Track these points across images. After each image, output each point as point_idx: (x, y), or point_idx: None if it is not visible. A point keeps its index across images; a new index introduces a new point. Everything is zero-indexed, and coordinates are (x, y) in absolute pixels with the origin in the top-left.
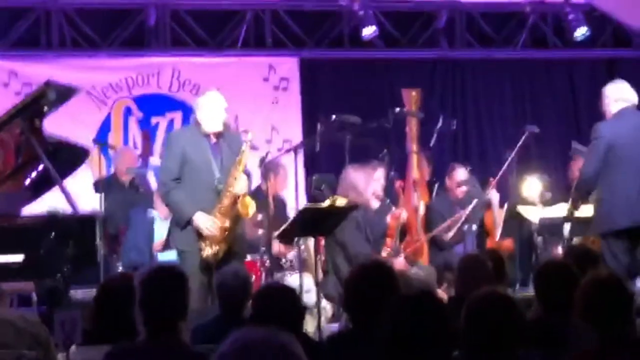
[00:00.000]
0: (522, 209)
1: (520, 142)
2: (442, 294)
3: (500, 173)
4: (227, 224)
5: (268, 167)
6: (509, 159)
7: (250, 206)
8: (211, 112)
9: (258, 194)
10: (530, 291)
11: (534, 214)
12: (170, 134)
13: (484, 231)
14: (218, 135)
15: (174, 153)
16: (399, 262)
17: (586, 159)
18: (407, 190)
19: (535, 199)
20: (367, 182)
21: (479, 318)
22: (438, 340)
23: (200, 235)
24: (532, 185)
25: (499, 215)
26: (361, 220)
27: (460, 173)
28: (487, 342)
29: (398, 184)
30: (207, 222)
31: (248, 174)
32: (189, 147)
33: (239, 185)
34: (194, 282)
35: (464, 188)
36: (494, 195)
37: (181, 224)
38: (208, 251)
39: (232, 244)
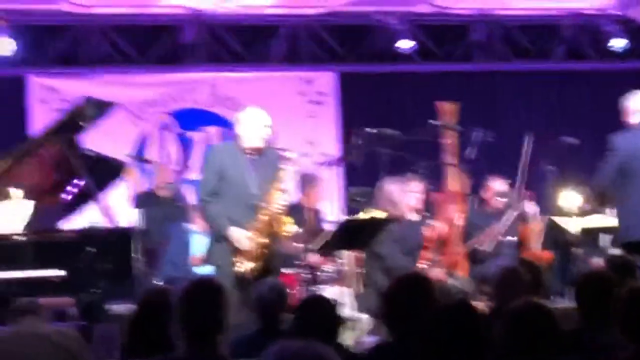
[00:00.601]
0: (559, 220)
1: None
2: (480, 305)
3: (517, 184)
4: (263, 240)
5: (304, 180)
6: (520, 170)
7: (288, 225)
8: (251, 128)
9: (295, 207)
10: (567, 302)
11: (572, 225)
12: (210, 148)
13: (519, 243)
14: (258, 151)
15: (212, 168)
16: (437, 274)
17: (600, 169)
18: (444, 203)
19: (573, 211)
20: (402, 195)
21: (517, 328)
22: (476, 352)
23: (236, 250)
24: (570, 197)
25: (536, 227)
26: (398, 232)
27: (497, 184)
28: (525, 352)
29: (435, 196)
30: (242, 237)
31: (287, 191)
32: (227, 162)
33: (277, 203)
34: (230, 296)
35: (500, 199)
36: (530, 207)
37: (217, 238)
38: (243, 267)
39: (269, 261)
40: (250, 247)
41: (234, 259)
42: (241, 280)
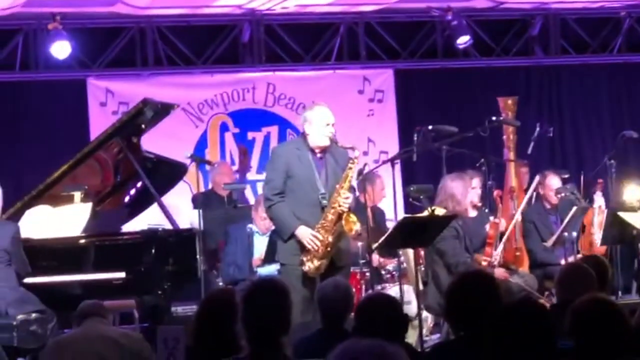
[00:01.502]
0: (623, 215)
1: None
2: (544, 302)
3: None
4: (330, 239)
5: (365, 179)
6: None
7: (354, 223)
8: (319, 127)
9: (356, 206)
10: (633, 298)
11: (636, 219)
12: (275, 147)
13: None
14: (324, 150)
15: (278, 167)
16: (499, 271)
17: None
18: (505, 199)
19: (636, 205)
20: (464, 192)
21: (585, 324)
22: (542, 349)
23: (302, 249)
24: (632, 191)
25: (599, 219)
26: (460, 229)
27: (553, 181)
28: (592, 349)
29: (496, 192)
30: (310, 236)
31: (353, 190)
32: (293, 161)
33: (344, 202)
34: (297, 295)
35: (558, 195)
36: (598, 199)
37: (284, 237)
38: (310, 265)
39: (336, 259)
40: (318, 246)
41: (301, 258)
42: (309, 279)
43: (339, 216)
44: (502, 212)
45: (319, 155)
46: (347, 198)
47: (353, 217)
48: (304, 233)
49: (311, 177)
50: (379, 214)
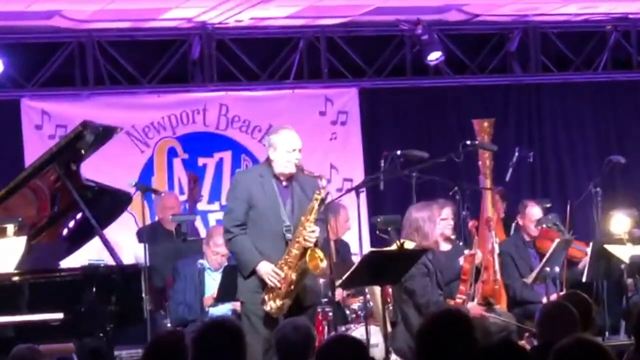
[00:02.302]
0: (610, 248)
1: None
2: (525, 344)
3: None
4: (293, 276)
5: (328, 209)
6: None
7: (321, 260)
8: (284, 153)
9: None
10: (621, 339)
11: (623, 252)
12: (237, 174)
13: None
14: (290, 177)
15: (240, 196)
16: (475, 308)
17: None
18: (481, 230)
19: (624, 236)
20: (431, 224)
21: None
22: None
23: (264, 287)
24: (620, 222)
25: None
26: (430, 265)
27: (534, 210)
28: None
29: (471, 223)
30: (271, 273)
31: (322, 222)
32: (256, 189)
33: (309, 236)
34: (257, 337)
35: (538, 227)
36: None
37: (244, 273)
38: (271, 305)
39: (302, 298)
40: (280, 283)
41: (263, 296)
42: (271, 319)
43: (304, 251)
44: (479, 244)
45: (284, 183)
46: (312, 232)
47: (319, 253)
48: (266, 269)
49: (275, 207)
50: (343, 248)
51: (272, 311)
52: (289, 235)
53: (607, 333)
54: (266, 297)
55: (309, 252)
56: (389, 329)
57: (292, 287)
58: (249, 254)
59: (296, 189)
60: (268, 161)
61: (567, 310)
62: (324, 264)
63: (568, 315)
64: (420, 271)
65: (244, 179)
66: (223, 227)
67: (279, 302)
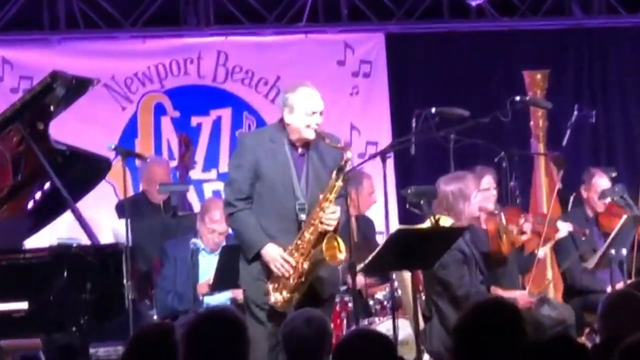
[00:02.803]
0: None
1: None
2: (585, 341)
3: None
4: (305, 266)
5: (348, 179)
6: None
7: (340, 250)
8: (303, 116)
9: None
10: None
11: None
12: (243, 136)
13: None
14: (307, 144)
15: (245, 164)
16: (523, 297)
17: None
18: (533, 203)
19: None
20: (465, 199)
21: None
22: None
23: (270, 275)
24: None
25: None
26: (467, 248)
27: (601, 181)
28: None
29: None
30: (279, 259)
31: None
32: (265, 157)
33: (328, 219)
34: (260, 331)
35: (602, 200)
36: None
37: (248, 256)
38: (276, 297)
39: (320, 289)
40: (288, 273)
41: (267, 286)
42: (277, 312)
43: (320, 237)
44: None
45: (299, 151)
46: (332, 213)
47: (339, 242)
48: (272, 253)
49: (287, 180)
50: (365, 225)
51: (277, 305)
52: (302, 216)
53: None
54: (271, 287)
55: (326, 238)
56: (421, 323)
57: (303, 279)
58: (253, 233)
59: (313, 159)
60: (282, 123)
61: (635, 300)
62: (342, 256)
63: (637, 306)
64: (454, 258)
65: (251, 143)
66: (223, 200)
67: (286, 295)
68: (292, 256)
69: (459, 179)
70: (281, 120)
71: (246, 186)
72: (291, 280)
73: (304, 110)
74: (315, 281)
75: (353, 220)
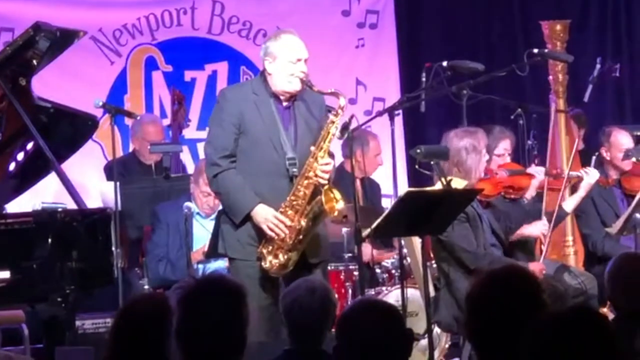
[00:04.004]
0: None
1: None
2: (607, 312)
3: None
4: (302, 223)
5: (353, 139)
6: None
7: (337, 201)
8: (286, 64)
9: (340, 177)
10: None
11: None
12: (224, 90)
13: None
14: (292, 96)
15: (228, 119)
16: (536, 266)
17: None
18: (551, 164)
19: None
20: (477, 154)
21: None
22: None
23: (262, 238)
24: None
25: None
26: (472, 208)
27: (623, 139)
28: None
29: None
30: (273, 219)
31: (331, 155)
32: (249, 111)
33: (322, 171)
34: (251, 303)
35: (625, 160)
36: None
37: (236, 219)
38: (272, 261)
39: (309, 253)
40: (283, 233)
41: (260, 250)
42: (269, 281)
43: (315, 190)
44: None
45: (285, 104)
46: (326, 164)
47: (335, 193)
48: (264, 214)
49: (274, 134)
50: (372, 189)
51: (272, 269)
52: (294, 170)
53: None
54: (265, 251)
55: (323, 190)
56: (432, 292)
57: (301, 237)
58: (242, 194)
59: (300, 110)
60: (263, 75)
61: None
62: (340, 205)
63: None
64: (465, 224)
65: (233, 97)
66: (205, 160)
67: (282, 258)
68: (286, 214)
69: (472, 134)
70: (262, 72)
71: (230, 143)
72: (288, 240)
73: (287, 57)
74: (308, 242)
75: (358, 183)
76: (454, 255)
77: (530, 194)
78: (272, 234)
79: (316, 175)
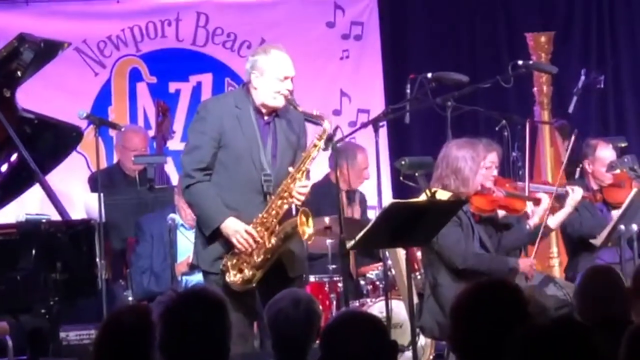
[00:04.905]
0: None
1: None
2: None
3: None
4: (272, 242)
5: (341, 151)
6: None
7: (308, 225)
8: (273, 81)
9: (326, 188)
10: None
11: None
12: (206, 102)
13: None
14: (273, 112)
15: (208, 131)
16: (525, 262)
17: None
18: (536, 176)
19: None
20: (475, 165)
21: None
22: None
23: (229, 250)
24: None
25: None
26: (465, 216)
27: (605, 152)
28: None
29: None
30: (243, 233)
31: (307, 176)
32: (230, 124)
33: (300, 192)
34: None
35: (610, 172)
36: None
37: (206, 231)
38: (235, 276)
39: (289, 267)
40: (252, 247)
41: (224, 262)
42: (245, 294)
43: (288, 212)
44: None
45: (266, 118)
46: (304, 187)
47: (308, 217)
48: (234, 227)
49: (254, 149)
50: (356, 200)
51: (236, 283)
52: (268, 186)
53: None
54: (229, 264)
55: (300, 213)
56: (416, 303)
57: (269, 255)
58: (213, 206)
59: (280, 127)
60: (246, 87)
61: (611, 275)
62: (311, 230)
63: (612, 281)
64: (456, 231)
65: (215, 109)
66: (183, 170)
67: (247, 273)
68: (256, 230)
69: (472, 146)
70: (245, 84)
71: (208, 156)
72: (255, 257)
73: (275, 74)
74: (286, 258)
75: (343, 195)
76: (443, 256)
77: (533, 221)
78: (241, 247)
79: (291, 197)
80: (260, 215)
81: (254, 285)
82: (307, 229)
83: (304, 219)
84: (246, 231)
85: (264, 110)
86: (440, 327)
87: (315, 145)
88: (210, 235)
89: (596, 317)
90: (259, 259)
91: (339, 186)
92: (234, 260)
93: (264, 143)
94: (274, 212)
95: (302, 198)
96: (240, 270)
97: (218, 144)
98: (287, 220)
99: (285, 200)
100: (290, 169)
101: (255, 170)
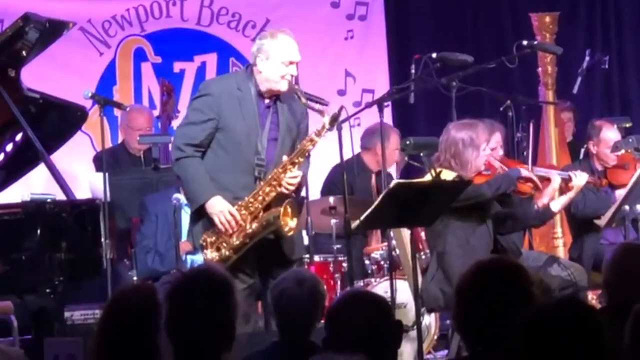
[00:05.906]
0: None
1: None
2: (596, 303)
3: None
4: (253, 227)
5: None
6: None
7: (292, 218)
8: (279, 65)
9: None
10: None
11: None
12: (208, 82)
13: None
14: (275, 97)
15: (206, 110)
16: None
17: None
18: (541, 156)
19: None
20: (475, 148)
21: None
22: None
23: (212, 229)
24: None
25: None
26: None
27: (609, 133)
28: None
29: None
30: (226, 213)
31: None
32: (230, 106)
33: (290, 182)
34: None
35: (615, 153)
36: None
37: (191, 208)
38: (210, 252)
39: (288, 251)
40: (232, 228)
41: (203, 237)
42: (244, 268)
43: (275, 200)
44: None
45: (266, 102)
46: (294, 178)
47: (293, 210)
48: (218, 206)
49: (252, 133)
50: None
51: (212, 261)
52: (260, 170)
53: None
54: (209, 241)
55: (285, 203)
56: (421, 282)
57: (249, 240)
58: (200, 184)
59: (282, 111)
60: (249, 69)
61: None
62: (293, 224)
63: None
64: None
65: (218, 91)
66: (173, 143)
67: (224, 253)
68: (240, 212)
69: (471, 127)
70: (249, 66)
71: (201, 134)
72: (234, 239)
73: (281, 59)
74: (287, 241)
75: (373, 177)
76: (463, 203)
77: (542, 201)
78: (221, 227)
79: (280, 185)
80: (246, 199)
81: (228, 265)
82: (291, 221)
83: (289, 210)
84: (229, 212)
85: (265, 94)
86: (446, 296)
87: (311, 140)
88: (200, 211)
89: (628, 295)
90: (237, 242)
91: (343, 166)
92: (213, 238)
93: (262, 126)
94: (260, 197)
95: (292, 188)
96: (218, 249)
97: (216, 124)
98: (272, 209)
99: (273, 188)
100: (285, 157)
101: (252, 153)
